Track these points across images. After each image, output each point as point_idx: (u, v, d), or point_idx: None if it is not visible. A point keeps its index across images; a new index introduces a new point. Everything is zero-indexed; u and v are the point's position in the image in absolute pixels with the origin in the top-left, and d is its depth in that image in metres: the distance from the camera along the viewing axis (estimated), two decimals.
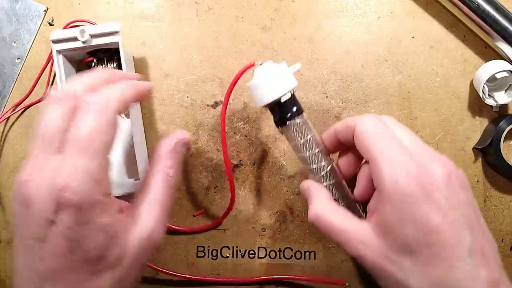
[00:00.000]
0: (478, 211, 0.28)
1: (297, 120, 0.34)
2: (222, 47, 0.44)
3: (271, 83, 0.33)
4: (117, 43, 0.38)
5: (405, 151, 0.27)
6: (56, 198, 0.24)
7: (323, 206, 0.31)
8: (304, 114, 0.35)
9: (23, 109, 0.44)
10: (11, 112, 0.44)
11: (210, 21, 0.44)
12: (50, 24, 0.44)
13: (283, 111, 0.34)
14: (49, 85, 0.44)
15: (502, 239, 0.44)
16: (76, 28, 0.38)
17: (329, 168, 0.34)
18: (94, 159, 0.25)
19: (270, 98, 0.33)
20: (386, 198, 0.26)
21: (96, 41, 0.38)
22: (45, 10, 0.44)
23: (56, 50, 0.39)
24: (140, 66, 0.44)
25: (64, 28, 0.42)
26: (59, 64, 0.39)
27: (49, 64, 0.43)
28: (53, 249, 0.25)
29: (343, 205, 0.34)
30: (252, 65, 0.35)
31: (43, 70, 0.44)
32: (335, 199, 0.34)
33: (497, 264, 0.27)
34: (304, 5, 0.45)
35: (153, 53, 0.44)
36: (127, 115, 0.41)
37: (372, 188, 0.32)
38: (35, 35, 0.44)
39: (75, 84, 0.28)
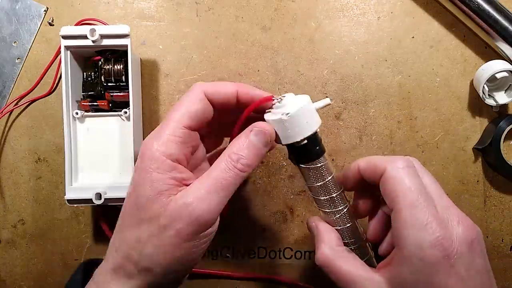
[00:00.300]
0: (493, 278, 0.27)
1: (318, 164, 0.31)
2: (222, 47, 0.44)
3: (291, 124, 0.29)
4: (126, 45, 0.39)
5: (431, 210, 0.27)
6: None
7: (333, 252, 0.30)
8: (325, 155, 0.31)
9: (27, 103, 0.44)
10: (14, 105, 0.44)
11: (210, 21, 0.45)
12: (50, 24, 0.44)
13: (303, 152, 0.31)
14: (56, 80, 0.44)
15: (502, 239, 0.44)
16: (87, 26, 0.39)
17: (344, 211, 0.32)
18: (167, 128, 0.29)
19: (289, 140, 0.30)
20: (406, 258, 0.26)
21: (106, 42, 0.38)
22: (45, 10, 0.44)
23: (65, 46, 0.39)
24: (140, 66, 0.44)
25: (76, 25, 0.42)
26: (66, 60, 0.39)
27: (57, 60, 0.43)
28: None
29: (352, 248, 0.32)
30: (270, 99, 0.31)
31: (50, 66, 0.44)
32: (344, 242, 0.32)
33: None
34: (304, 5, 0.45)
35: (153, 53, 0.44)
36: (128, 118, 0.40)
37: (386, 232, 0.32)
38: (35, 35, 0.44)
39: None
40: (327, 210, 0.32)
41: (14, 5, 0.44)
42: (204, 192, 0.27)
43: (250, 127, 0.30)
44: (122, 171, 0.41)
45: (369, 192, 0.33)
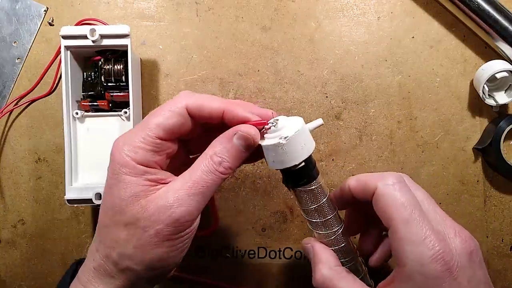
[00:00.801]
0: (492, 286, 0.28)
1: (313, 186, 0.30)
2: (222, 47, 0.44)
3: (281, 152, 0.28)
4: (126, 45, 0.39)
5: (427, 224, 0.27)
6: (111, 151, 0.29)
7: (332, 272, 0.30)
8: (319, 177, 0.31)
9: (27, 103, 0.44)
10: (14, 105, 0.44)
11: (210, 21, 0.44)
12: (50, 24, 0.44)
13: (299, 176, 0.30)
14: (56, 80, 0.44)
15: (502, 239, 0.44)
16: (87, 26, 0.39)
17: (340, 232, 0.32)
18: (139, 134, 0.28)
19: (286, 165, 0.29)
20: (408, 276, 0.26)
21: (106, 42, 0.39)
22: (45, 10, 0.44)
23: (65, 46, 0.39)
24: (140, 66, 0.44)
25: (76, 25, 0.42)
26: (66, 60, 0.39)
27: (57, 60, 0.43)
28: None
29: (348, 267, 0.32)
30: (264, 123, 0.30)
31: (50, 66, 0.44)
32: (340, 262, 0.32)
33: None
34: (304, 5, 0.45)
35: (153, 53, 0.44)
36: (128, 118, 0.40)
37: (377, 246, 0.33)
38: (35, 35, 0.44)
39: None
40: (322, 232, 0.32)
41: (14, 5, 0.44)
42: (184, 194, 0.27)
43: (233, 129, 0.29)
44: None
45: (360, 209, 0.33)
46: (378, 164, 0.44)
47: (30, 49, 0.44)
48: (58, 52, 0.43)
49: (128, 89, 0.39)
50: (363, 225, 0.34)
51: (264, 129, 0.30)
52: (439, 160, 0.44)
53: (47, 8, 0.44)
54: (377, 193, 0.28)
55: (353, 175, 0.44)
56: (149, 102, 0.44)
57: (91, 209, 0.44)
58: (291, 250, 0.44)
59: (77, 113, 0.40)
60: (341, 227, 0.32)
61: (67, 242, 0.44)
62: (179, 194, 0.27)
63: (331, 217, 0.31)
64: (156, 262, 0.28)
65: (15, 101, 0.44)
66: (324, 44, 0.44)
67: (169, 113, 0.29)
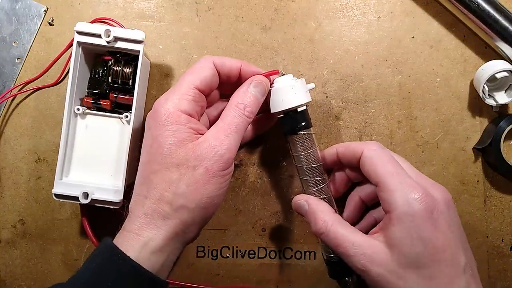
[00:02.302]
0: (464, 234, 0.32)
1: (306, 132, 0.36)
2: (222, 47, 0.44)
3: (291, 92, 0.35)
4: (138, 51, 0.38)
5: (410, 177, 0.32)
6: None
7: (332, 218, 0.33)
8: (312, 129, 0.37)
9: (32, 91, 0.44)
10: (18, 90, 0.44)
11: (210, 21, 0.45)
12: (50, 24, 0.44)
13: (295, 121, 0.36)
14: (63, 73, 0.44)
15: (502, 239, 0.44)
16: (103, 26, 0.38)
17: (324, 184, 0.37)
18: (180, 89, 0.33)
19: (289, 105, 0.35)
20: (397, 219, 0.30)
21: (119, 44, 0.38)
22: (45, 10, 0.44)
23: (78, 41, 0.39)
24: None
25: (92, 22, 0.42)
26: (77, 55, 0.39)
27: (68, 52, 0.43)
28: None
29: None
30: (276, 72, 0.37)
31: (59, 57, 0.43)
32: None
33: (478, 279, 0.32)
34: (304, 5, 0.45)
35: (153, 53, 0.44)
36: (128, 122, 0.40)
37: (358, 215, 0.40)
38: (35, 35, 0.44)
39: None
40: (309, 179, 0.37)
41: (14, 5, 0.44)
42: (223, 135, 0.32)
43: (249, 79, 0.35)
44: (114, 173, 0.41)
45: (345, 173, 0.40)
46: None
47: (30, 49, 0.44)
48: (69, 45, 0.43)
49: (133, 93, 0.39)
50: (345, 188, 0.41)
51: (272, 80, 0.37)
52: (439, 160, 0.44)
53: (47, 8, 0.44)
54: (364, 156, 0.34)
55: None
56: (149, 102, 0.44)
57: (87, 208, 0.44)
58: (291, 250, 0.44)
59: (78, 109, 0.40)
60: (326, 180, 0.38)
61: (67, 242, 0.44)
62: (219, 135, 0.32)
63: (317, 165, 0.37)
64: (206, 199, 0.32)
65: (21, 86, 0.44)
66: (324, 44, 0.44)
67: (202, 68, 0.34)
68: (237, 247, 0.44)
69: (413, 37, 0.44)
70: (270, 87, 0.36)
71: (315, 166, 0.37)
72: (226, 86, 0.38)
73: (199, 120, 0.35)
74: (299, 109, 0.36)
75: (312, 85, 0.38)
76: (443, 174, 0.44)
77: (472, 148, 0.44)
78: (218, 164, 0.31)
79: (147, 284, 0.30)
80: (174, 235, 0.32)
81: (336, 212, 0.36)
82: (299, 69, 0.44)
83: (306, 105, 0.37)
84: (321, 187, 0.37)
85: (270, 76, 0.37)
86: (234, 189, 0.44)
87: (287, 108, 0.36)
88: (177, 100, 0.33)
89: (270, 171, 0.44)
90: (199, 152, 0.31)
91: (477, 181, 0.44)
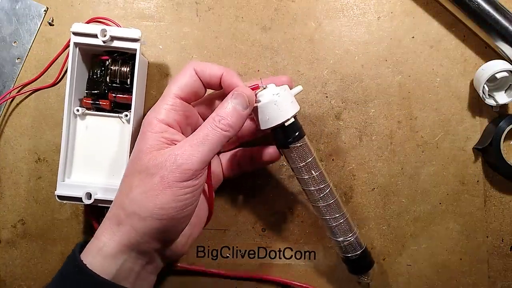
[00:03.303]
0: None
1: (299, 144, 0.35)
2: (222, 47, 0.44)
3: (275, 109, 0.34)
4: (135, 49, 0.38)
5: None
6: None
7: None
8: (306, 137, 0.36)
9: (30, 92, 0.44)
10: (16, 92, 0.43)
11: (210, 21, 0.45)
12: (50, 24, 0.44)
13: (286, 135, 0.35)
14: (61, 74, 0.44)
15: (502, 239, 0.44)
16: (98, 26, 0.38)
17: (328, 189, 0.36)
18: (162, 99, 0.34)
19: (274, 122, 0.34)
20: None
21: (116, 44, 0.38)
22: (45, 10, 0.44)
23: (74, 42, 0.38)
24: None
25: (87, 22, 0.42)
26: (74, 56, 0.39)
27: (65, 53, 0.43)
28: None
29: (339, 225, 0.37)
30: (256, 87, 0.35)
31: (56, 58, 0.43)
32: (331, 218, 0.37)
33: None
34: (304, 5, 0.45)
35: (153, 53, 0.44)
36: (128, 121, 0.40)
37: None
38: (35, 35, 0.44)
39: None
40: (312, 189, 0.36)
41: (14, 5, 0.44)
42: (188, 146, 0.31)
43: (231, 92, 0.34)
44: (116, 173, 0.41)
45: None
46: (378, 164, 0.44)
47: (30, 49, 0.44)
48: (66, 46, 0.43)
49: (132, 92, 0.39)
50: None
51: (256, 94, 0.34)
52: (439, 160, 0.44)
53: (47, 8, 0.44)
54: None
55: (353, 175, 0.44)
56: (149, 102, 0.44)
57: (91, 209, 0.44)
58: (291, 250, 0.44)
59: (78, 110, 0.40)
60: (329, 185, 0.37)
61: (67, 242, 0.44)
62: (184, 146, 0.31)
63: (318, 174, 0.36)
64: (158, 210, 0.30)
65: (19, 88, 0.44)
66: (324, 44, 0.44)
67: (182, 75, 0.34)
68: (237, 247, 0.44)
69: (413, 37, 0.44)
70: (256, 102, 0.35)
71: (316, 175, 0.36)
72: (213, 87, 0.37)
73: (180, 129, 0.34)
74: (286, 123, 0.34)
75: (299, 88, 0.36)
76: (443, 174, 0.44)
77: (472, 148, 0.44)
78: (175, 174, 0.30)
79: (92, 286, 0.30)
80: (127, 243, 0.31)
81: (344, 214, 0.37)
82: (299, 69, 0.44)
83: (294, 116, 0.35)
84: (326, 193, 0.36)
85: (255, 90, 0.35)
86: (234, 189, 0.44)
87: (274, 125, 0.34)
88: (157, 109, 0.33)
89: (270, 171, 0.44)
90: (160, 160, 0.31)
91: (477, 181, 0.44)
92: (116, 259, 0.31)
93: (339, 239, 0.38)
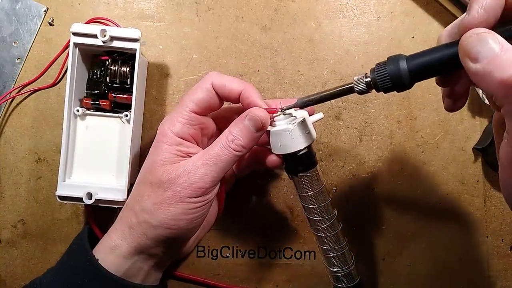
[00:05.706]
0: None
1: (308, 174, 0.34)
2: (222, 47, 0.44)
3: (289, 137, 0.32)
4: (135, 49, 0.38)
5: None
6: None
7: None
8: (318, 166, 0.35)
9: (30, 92, 0.44)
10: (16, 92, 0.44)
11: (210, 21, 0.45)
12: (50, 24, 0.44)
13: (298, 163, 0.34)
14: (60, 74, 0.44)
15: (502, 239, 0.44)
16: (98, 26, 0.38)
17: (331, 222, 0.35)
18: (178, 110, 0.35)
19: (286, 150, 0.33)
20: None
21: (115, 44, 0.38)
22: (45, 10, 0.44)
23: (74, 43, 0.39)
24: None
25: (87, 22, 0.42)
26: (74, 57, 0.39)
27: (65, 53, 0.43)
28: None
29: (336, 256, 0.36)
30: (274, 111, 0.34)
31: (56, 58, 0.43)
32: (330, 249, 0.36)
33: None
34: (304, 5, 0.45)
35: (153, 53, 0.44)
36: (128, 121, 0.40)
37: None
38: (35, 35, 0.44)
39: None
40: (316, 218, 0.35)
41: (14, 5, 0.44)
42: (201, 164, 0.32)
43: (246, 112, 0.34)
44: (117, 173, 0.41)
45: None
46: (378, 164, 0.44)
47: (30, 49, 0.44)
48: (66, 46, 0.43)
49: (132, 92, 0.39)
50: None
51: (272, 117, 0.34)
52: (439, 160, 0.44)
53: (47, 8, 0.44)
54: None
55: (353, 175, 0.44)
56: (149, 102, 0.44)
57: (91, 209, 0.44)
58: (291, 250, 0.44)
59: (78, 110, 0.40)
60: (333, 217, 0.35)
61: (67, 242, 0.44)
62: (197, 164, 0.32)
63: (324, 205, 0.35)
64: (169, 220, 0.32)
65: (19, 88, 0.44)
66: (324, 44, 0.44)
67: (199, 90, 0.34)
68: (237, 247, 0.44)
69: (413, 37, 0.44)
70: (270, 124, 0.34)
71: (322, 205, 0.35)
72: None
73: (195, 141, 0.35)
74: (299, 153, 0.33)
75: (319, 116, 0.35)
76: (443, 174, 0.44)
77: (472, 148, 0.44)
78: (187, 191, 0.32)
79: (103, 282, 0.33)
80: (138, 246, 0.34)
81: (342, 247, 0.36)
82: (299, 69, 0.44)
83: (309, 146, 0.33)
84: (328, 225, 0.35)
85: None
86: (235, 189, 0.44)
87: (286, 153, 0.33)
88: (172, 121, 0.34)
89: (270, 171, 0.44)
90: (174, 175, 0.32)
91: (477, 181, 0.44)
92: (127, 259, 0.34)
93: (333, 269, 0.37)
